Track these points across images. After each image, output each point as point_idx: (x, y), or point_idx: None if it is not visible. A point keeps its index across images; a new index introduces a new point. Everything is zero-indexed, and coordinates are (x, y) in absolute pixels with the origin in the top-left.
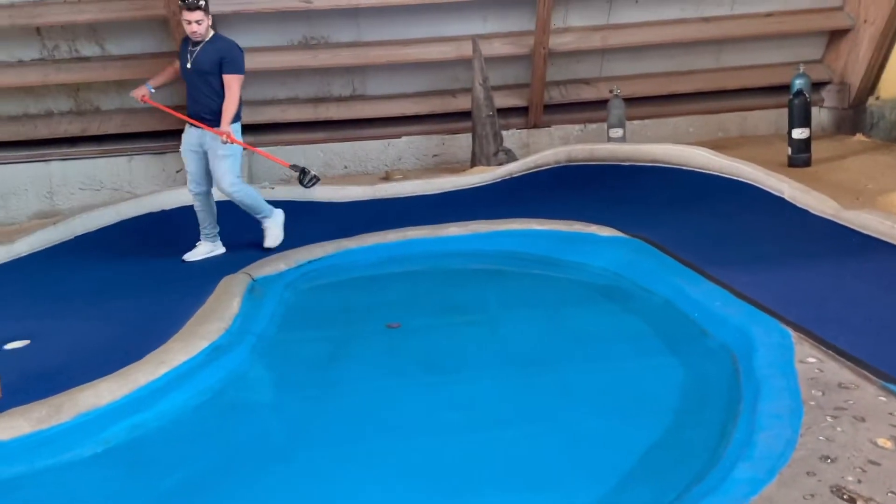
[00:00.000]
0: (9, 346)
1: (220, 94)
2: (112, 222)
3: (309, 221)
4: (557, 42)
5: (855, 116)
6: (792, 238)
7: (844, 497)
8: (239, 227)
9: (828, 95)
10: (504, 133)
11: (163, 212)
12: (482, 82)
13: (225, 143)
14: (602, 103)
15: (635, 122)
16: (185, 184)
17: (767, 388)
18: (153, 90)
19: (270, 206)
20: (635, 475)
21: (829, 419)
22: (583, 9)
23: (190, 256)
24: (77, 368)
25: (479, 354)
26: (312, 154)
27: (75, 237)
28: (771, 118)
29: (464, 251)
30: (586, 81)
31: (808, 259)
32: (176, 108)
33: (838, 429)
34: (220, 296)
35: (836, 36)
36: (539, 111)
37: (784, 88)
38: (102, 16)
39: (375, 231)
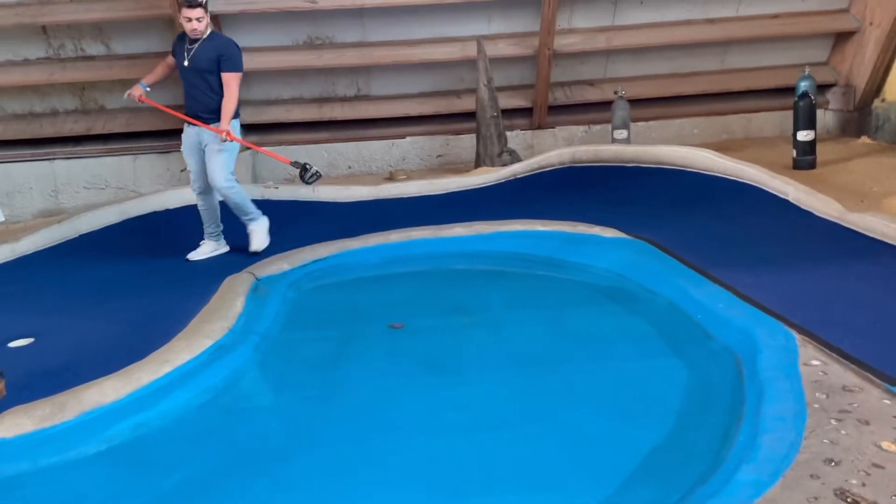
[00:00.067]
0: (13, 344)
1: (218, 93)
2: (116, 221)
3: (313, 221)
4: (562, 43)
5: (860, 119)
6: (796, 240)
7: (848, 500)
8: (242, 226)
9: (833, 98)
10: (508, 134)
11: (167, 211)
12: (487, 83)
13: (225, 140)
14: (606, 104)
15: (640, 123)
16: (189, 183)
17: (771, 391)
18: (148, 88)
19: (259, 210)
20: (638, 477)
21: (833, 422)
22: (588, 10)
23: (194, 255)
24: (81, 367)
25: (482, 355)
26: (316, 154)
27: (79, 236)
28: (776, 120)
29: (467, 252)
30: (591, 83)
31: (812, 261)
32: (175, 108)
33: (842, 432)
34: (224, 295)
35: (841, 38)
36: (543, 112)
37: (789, 90)
38: (108, 15)
39: (379, 231)
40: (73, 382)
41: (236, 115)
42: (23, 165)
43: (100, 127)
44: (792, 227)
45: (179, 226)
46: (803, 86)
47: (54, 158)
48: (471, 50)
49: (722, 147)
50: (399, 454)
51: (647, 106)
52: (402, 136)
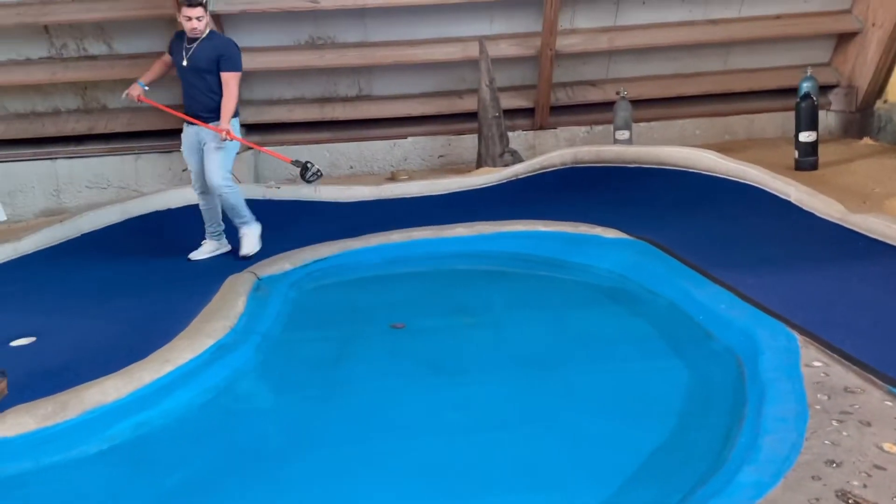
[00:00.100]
0: (15, 343)
1: (217, 92)
2: (118, 220)
3: (314, 221)
4: (564, 43)
5: (862, 120)
6: (798, 241)
7: (850, 502)
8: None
9: (835, 99)
10: (510, 134)
11: (169, 210)
12: (488, 83)
13: (224, 139)
14: (608, 105)
15: (642, 124)
16: (191, 183)
17: (773, 392)
18: (146, 87)
19: (252, 215)
20: (639, 477)
21: (834, 423)
22: (590, 10)
23: (195, 255)
24: (83, 366)
25: (483, 355)
26: (318, 154)
27: (81, 235)
28: (778, 121)
29: (469, 252)
30: (593, 83)
31: (814, 262)
32: (175, 108)
33: (844, 433)
34: (226, 294)
35: (844, 39)
36: (545, 112)
37: (791, 91)
38: (110, 14)
39: (381, 231)
40: (74, 381)
41: (235, 115)
42: (25, 165)
43: (102, 126)
44: (794, 229)
45: (181, 225)
46: (805, 87)
47: (56, 158)
48: (473, 50)
49: (724, 148)
50: (400, 454)
51: (649, 106)
52: (404, 137)
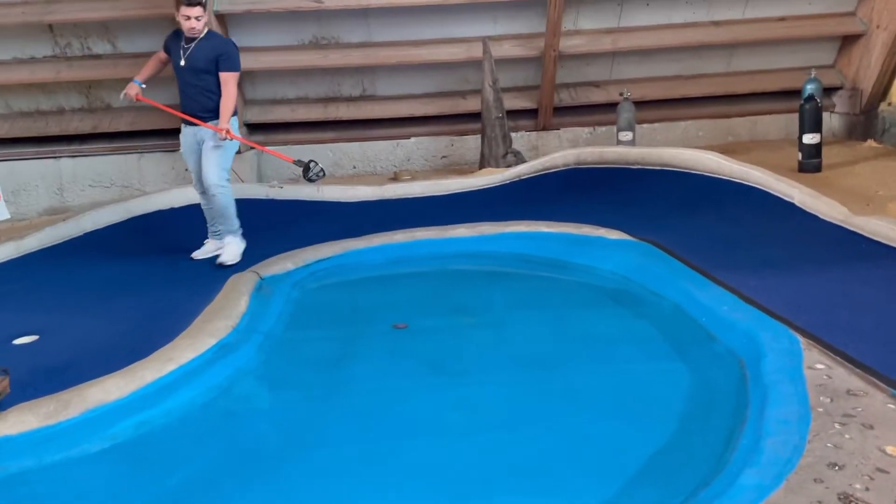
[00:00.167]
0: (18, 342)
1: (215, 92)
2: (121, 219)
3: (317, 221)
4: (568, 44)
5: (866, 122)
6: (801, 243)
7: None
8: (246, 225)
9: (839, 101)
10: (513, 135)
11: (172, 209)
12: (492, 84)
13: (224, 139)
14: (612, 106)
15: (645, 125)
16: (193, 183)
17: (775, 394)
18: (143, 85)
19: (240, 227)
20: (641, 479)
21: (837, 426)
22: (593, 11)
23: (198, 254)
24: (85, 364)
25: (485, 356)
26: (322, 153)
27: (84, 234)
28: (781, 123)
29: (471, 253)
30: (596, 84)
31: (817, 265)
32: (174, 107)
33: (846, 436)
34: (228, 294)
35: (848, 41)
36: (549, 113)
37: (795, 93)
38: (114, 13)
39: (383, 231)
40: (76, 380)
41: (234, 114)
42: (29, 163)
43: (105, 125)
44: (797, 231)
45: (184, 224)
46: (809, 89)
47: (60, 156)
48: (476, 51)
49: (727, 149)
50: (401, 455)
51: (652, 108)
52: (407, 137)
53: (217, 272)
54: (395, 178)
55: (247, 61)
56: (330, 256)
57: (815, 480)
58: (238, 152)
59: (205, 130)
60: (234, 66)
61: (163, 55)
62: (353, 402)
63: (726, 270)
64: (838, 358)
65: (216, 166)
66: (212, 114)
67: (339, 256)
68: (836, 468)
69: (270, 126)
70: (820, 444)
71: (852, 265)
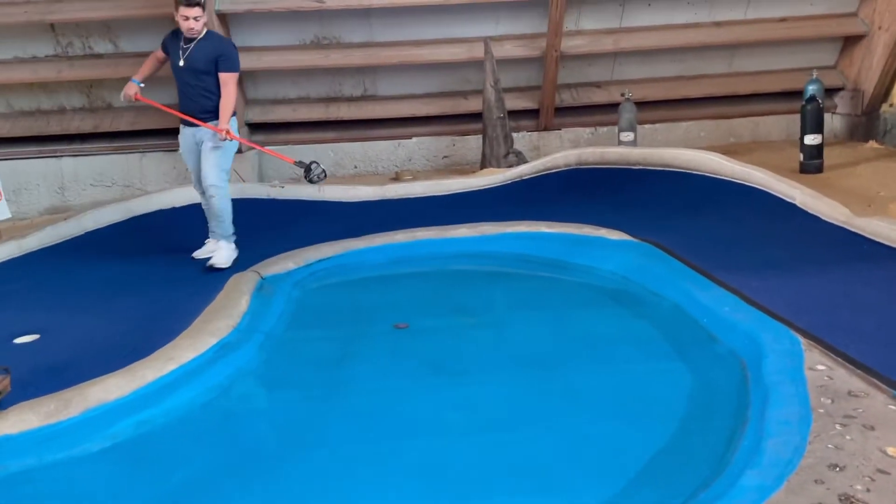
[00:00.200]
0: (19, 341)
1: (214, 92)
2: (122, 219)
3: (318, 221)
4: (569, 45)
5: (868, 123)
6: (803, 244)
7: None
8: (247, 224)
9: (841, 102)
10: (514, 135)
11: (173, 209)
12: (493, 84)
13: (224, 139)
14: (613, 107)
15: (646, 125)
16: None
17: (776, 395)
18: (142, 84)
19: (234, 234)
20: (642, 480)
21: (838, 427)
22: (595, 12)
23: (199, 254)
24: (86, 363)
25: (486, 356)
26: (323, 153)
27: (86, 233)
28: (783, 124)
29: (472, 253)
30: (598, 85)
31: (818, 266)
32: (173, 107)
33: (847, 437)
34: (229, 293)
35: (850, 42)
36: (550, 114)
37: (797, 94)
38: (116, 13)
39: (384, 231)
40: (77, 379)
41: (233, 114)
42: (30, 162)
43: (107, 124)
44: (798, 231)
45: (185, 224)
46: (811, 89)
47: (61, 155)
48: (478, 51)
49: (729, 150)
50: (401, 455)
51: (653, 108)
52: (409, 137)
53: (218, 271)
54: (397, 178)
55: (248, 61)
56: (331, 256)
57: (815, 481)
58: (239, 151)
59: (204, 131)
60: (233, 66)
61: (160, 54)
62: (354, 401)
63: (727, 271)
64: (839, 359)
65: (215, 167)
66: (211, 114)
67: (341, 256)
68: (837, 469)
69: (272, 126)
70: (821, 445)
71: (854, 266)
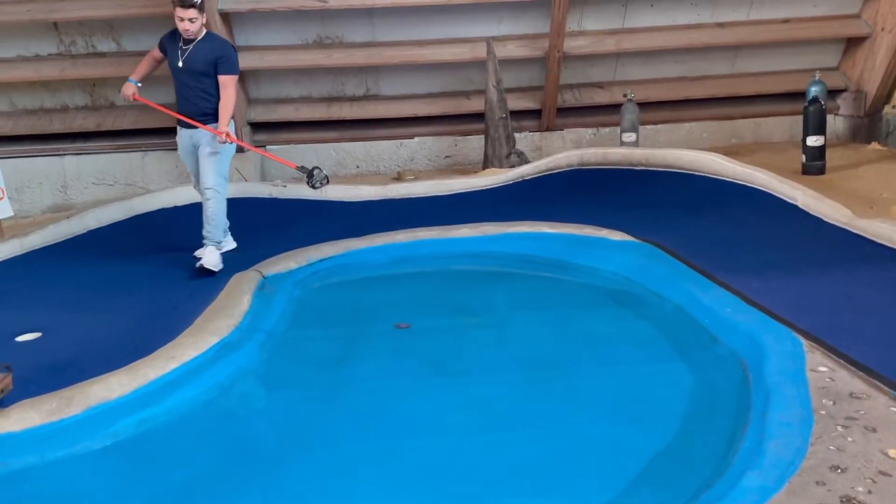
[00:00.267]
0: (21, 339)
1: (212, 94)
2: (125, 217)
3: (320, 220)
4: (572, 45)
5: (870, 125)
6: (805, 246)
7: None
8: (249, 224)
9: (843, 103)
10: (517, 135)
11: (175, 208)
12: (496, 84)
13: (224, 142)
14: (615, 107)
15: (648, 126)
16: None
17: (778, 397)
18: (139, 84)
19: (223, 240)
20: (643, 481)
21: (839, 429)
22: (598, 12)
23: (201, 252)
24: (88, 362)
25: (487, 356)
26: (325, 153)
27: (88, 231)
28: (785, 125)
29: (474, 253)
30: (600, 85)
31: (820, 267)
32: (170, 107)
33: (849, 439)
34: (231, 292)
35: (852, 43)
36: (552, 114)
37: (799, 95)
38: (119, 12)
39: (386, 231)
40: (79, 377)
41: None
42: (33, 161)
43: (109, 123)
44: (800, 233)
45: (187, 223)
46: (813, 91)
47: (64, 154)
48: (480, 51)
49: (731, 151)
50: (402, 454)
51: (656, 109)
52: (411, 137)
53: (220, 271)
54: (399, 178)
55: (251, 60)
56: (332, 256)
57: (817, 483)
58: (241, 151)
59: (201, 134)
60: (233, 69)
61: (157, 54)
62: (355, 401)
63: (729, 272)
64: (841, 360)
65: (213, 172)
66: (208, 117)
67: (342, 256)
68: (839, 471)
69: (274, 125)
70: (822, 447)
71: (855, 268)
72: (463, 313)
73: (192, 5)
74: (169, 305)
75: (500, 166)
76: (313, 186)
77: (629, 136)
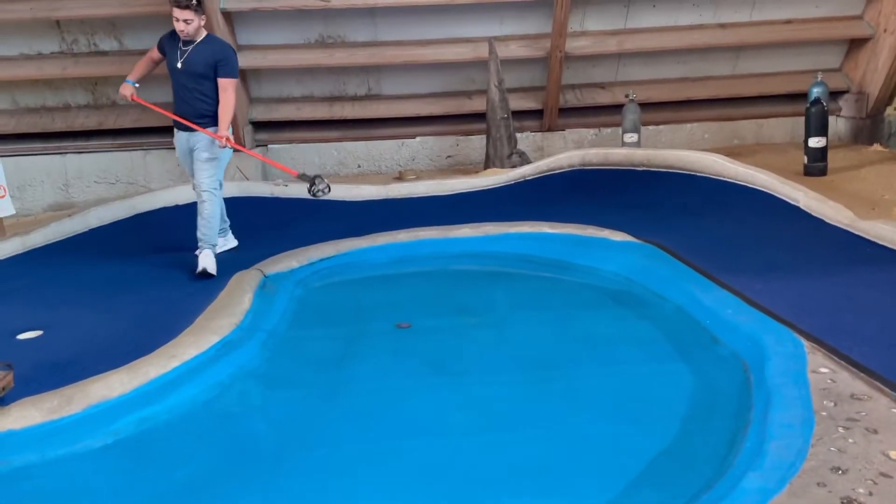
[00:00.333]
0: (22, 336)
1: (211, 97)
2: (126, 216)
3: (321, 219)
4: (574, 45)
5: (872, 126)
6: (806, 247)
7: None
8: (250, 223)
9: (845, 104)
10: (518, 136)
11: (177, 206)
12: (497, 84)
13: (224, 146)
14: (617, 108)
15: (650, 127)
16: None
17: (779, 398)
18: (137, 85)
19: (215, 245)
20: (643, 481)
21: (840, 430)
22: (600, 13)
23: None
24: (89, 360)
25: (488, 356)
26: (326, 153)
27: (90, 230)
28: (787, 126)
29: (475, 253)
30: (602, 85)
31: (822, 268)
32: (167, 107)
33: (850, 440)
34: (232, 291)
35: (855, 45)
36: (554, 114)
37: (801, 96)
38: (121, 10)
39: (387, 231)
40: (80, 375)
41: None
42: (34, 159)
43: (111, 122)
44: (802, 234)
45: (189, 221)
46: (815, 92)
47: (66, 152)
48: (482, 51)
49: (732, 152)
50: (402, 454)
51: (657, 110)
52: (412, 136)
53: (221, 269)
54: (400, 178)
55: (253, 59)
56: (334, 255)
57: (818, 484)
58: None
59: (198, 136)
60: (233, 72)
61: (156, 54)
62: (355, 401)
63: (730, 273)
64: (842, 362)
65: (209, 177)
66: (206, 119)
67: (343, 255)
68: (840, 472)
69: (276, 124)
70: (823, 448)
71: (857, 269)
72: (464, 313)
73: (188, 6)
74: (170, 304)
75: (502, 166)
76: (314, 195)
77: (631, 137)
